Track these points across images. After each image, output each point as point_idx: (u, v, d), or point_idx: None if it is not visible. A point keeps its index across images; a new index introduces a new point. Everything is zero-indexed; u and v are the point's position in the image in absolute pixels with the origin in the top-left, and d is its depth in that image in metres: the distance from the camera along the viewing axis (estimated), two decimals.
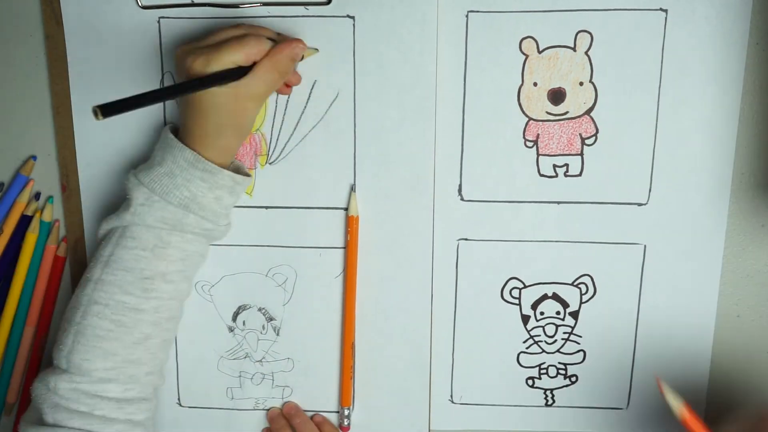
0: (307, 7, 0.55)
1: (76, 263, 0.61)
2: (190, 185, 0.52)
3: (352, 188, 0.57)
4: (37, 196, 0.60)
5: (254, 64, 0.50)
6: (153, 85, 0.57)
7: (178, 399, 0.63)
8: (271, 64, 0.50)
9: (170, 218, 0.52)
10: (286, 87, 0.56)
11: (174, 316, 0.55)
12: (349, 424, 0.61)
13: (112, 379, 0.52)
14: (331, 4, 0.54)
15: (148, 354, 0.53)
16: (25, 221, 0.60)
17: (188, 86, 0.49)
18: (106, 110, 0.39)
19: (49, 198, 0.60)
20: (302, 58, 0.53)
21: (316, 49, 0.55)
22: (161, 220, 0.52)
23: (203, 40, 0.51)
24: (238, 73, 0.49)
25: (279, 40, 0.52)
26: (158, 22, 0.56)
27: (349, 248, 0.58)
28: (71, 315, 0.52)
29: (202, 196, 0.52)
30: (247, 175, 0.56)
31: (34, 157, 0.60)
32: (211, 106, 0.50)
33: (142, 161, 0.58)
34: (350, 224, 0.57)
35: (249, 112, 0.51)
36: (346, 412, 0.60)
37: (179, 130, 0.53)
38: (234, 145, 0.53)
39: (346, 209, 0.58)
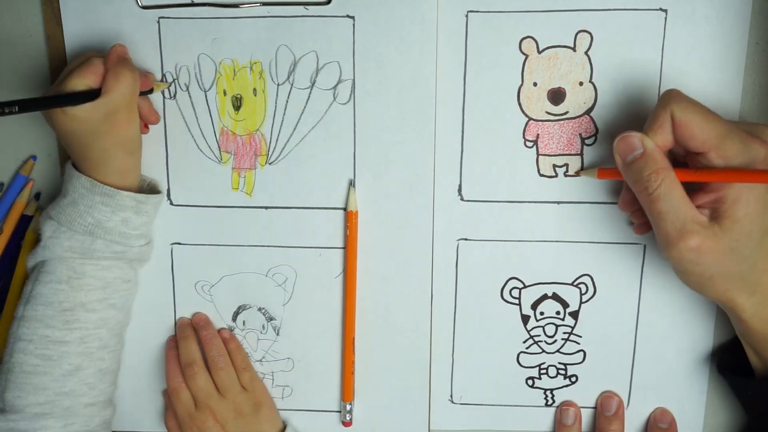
0: (307, 7, 0.55)
1: None
2: (93, 211, 0.52)
3: (351, 183, 0.57)
4: (37, 196, 0.60)
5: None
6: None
7: None
8: (113, 69, 0.50)
9: (78, 247, 0.52)
10: (145, 127, 0.56)
11: (107, 345, 0.55)
12: (351, 419, 0.61)
13: (47, 414, 0.51)
14: (331, 4, 0.55)
15: (83, 385, 0.53)
16: (25, 221, 0.60)
17: (39, 103, 0.50)
18: None
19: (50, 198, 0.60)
20: (152, 91, 0.55)
21: (168, 83, 0.56)
22: (70, 249, 0.52)
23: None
24: (92, 95, 0.49)
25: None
26: (158, 22, 0.56)
27: (348, 244, 0.58)
28: (3, 354, 0.53)
29: (107, 221, 0.52)
30: (156, 192, 0.56)
31: (34, 157, 0.60)
32: (85, 133, 0.50)
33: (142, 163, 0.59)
34: (349, 219, 0.57)
35: (124, 126, 0.51)
36: (348, 407, 0.60)
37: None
38: (130, 165, 0.54)
39: (345, 206, 0.58)
